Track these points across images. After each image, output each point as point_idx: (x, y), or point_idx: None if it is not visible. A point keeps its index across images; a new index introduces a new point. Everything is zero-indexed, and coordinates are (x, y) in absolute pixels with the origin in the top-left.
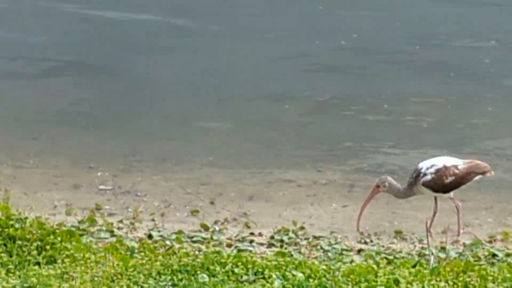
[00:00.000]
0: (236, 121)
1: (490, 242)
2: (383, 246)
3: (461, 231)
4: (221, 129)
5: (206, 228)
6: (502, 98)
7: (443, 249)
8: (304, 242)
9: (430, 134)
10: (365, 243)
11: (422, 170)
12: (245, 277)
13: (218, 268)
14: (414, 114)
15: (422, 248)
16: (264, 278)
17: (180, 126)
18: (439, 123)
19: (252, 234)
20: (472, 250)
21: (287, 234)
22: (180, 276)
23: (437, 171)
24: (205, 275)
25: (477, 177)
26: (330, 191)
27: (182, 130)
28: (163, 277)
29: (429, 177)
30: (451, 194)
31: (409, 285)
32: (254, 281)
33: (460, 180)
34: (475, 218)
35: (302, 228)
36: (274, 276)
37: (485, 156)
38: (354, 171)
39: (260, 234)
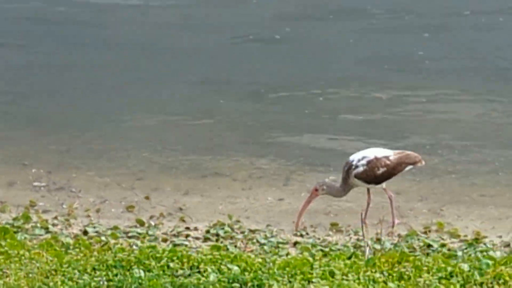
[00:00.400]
0: (170, 116)
1: (425, 232)
2: (319, 239)
3: (396, 222)
4: (155, 124)
5: (141, 223)
6: (435, 89)
7: (378, 240)
8: (240, 236)
9: (366, 126)
10: (301, 236)
11: (354, 163)
12: (180, 272)
13: (153, 263)
14: (350, 106)
15: (358, 239)
16: (199, 272)
17: (114, 122)
18: (374, 115)
19: (187, 228)
20: (407, 241)
21: (223, 228)
22: (115, 272)
23: (369, 162)
24: (140, 270)
25: (408, 168)
26: (266, 185)
27: (116, 126)
28: (98, 272)
29: (361, 169)
30: (383, 185)
31: (344, 277)
32: (189, 275)
33: (391, 171)
34: (410, 209)
35: (237, 221)
36: (209, 270)
37: (420, 148)
38: (290, 164)
39: (195, 229)
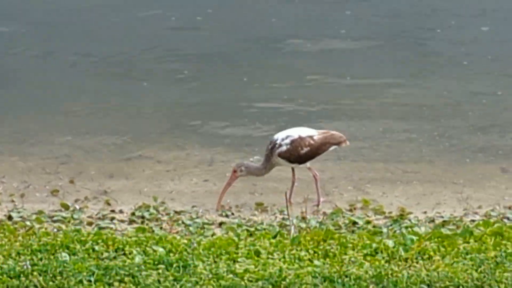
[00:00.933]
0: (93, 99)
1: (350, 210)
2: (244, 219)
3: (321, 200)
4: (79, 108)
5: (66, 207)
6: (361, 71)
7: (303, 219)
8: (165, 218)
9: (290, 107)
10: (227, 216)
11: (278, 141)
12: (105, 254)
13: (78, 247)
14: (274, 88)
15: (283, 219)
16: (125, 254)
17: (37, 105)
18: (299, 96)
19: (113, 211)
20: (332, 219)
21: (148, 210)
22: (40, 256)
23: (292, 142)
24: (65, 254)
25: (333, 148)
26: (190, 166)
27: (39, 110)
28: (22, 257)
29: (284, 148)
30: (308, 164)
31: (270, 256)
32: (114, 257)
33: (315, 151)
34: (335, 187)
35: (163, 203)
36: (134, 252)
37: (344, 125)
38: (214, 145)
39: (121, 211)
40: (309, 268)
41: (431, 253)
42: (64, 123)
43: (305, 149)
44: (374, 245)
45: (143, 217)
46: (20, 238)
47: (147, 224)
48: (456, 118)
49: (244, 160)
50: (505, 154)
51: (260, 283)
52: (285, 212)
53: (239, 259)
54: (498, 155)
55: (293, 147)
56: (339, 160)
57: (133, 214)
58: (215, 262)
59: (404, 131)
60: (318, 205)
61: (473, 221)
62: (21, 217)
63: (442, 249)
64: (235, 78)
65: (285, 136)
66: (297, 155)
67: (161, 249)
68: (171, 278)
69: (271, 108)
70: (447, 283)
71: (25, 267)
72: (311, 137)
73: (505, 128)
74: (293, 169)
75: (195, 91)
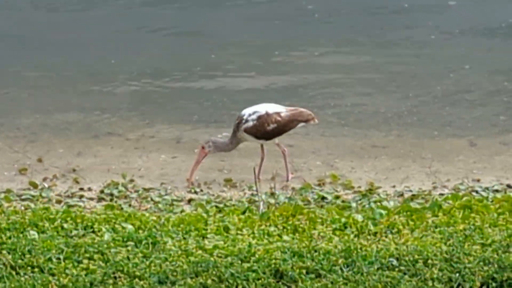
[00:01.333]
0: (61, 77)
1: (319, 185)
2: (213, 195)
3: (290, 176)
4: (47, 86)
5: (35, 185)
6: (328, 47)
7: (272, 194)
8: (134, 195)
9: (256, 82)
10: (195, 192)
11: (245, 117)
12: (74, 232)
13: (47, 224)
14: (239, 62)
15: (252, 195)
16: (94, 231)
17: (3, 84)
18: (266, 71)
19: (81, 189)
20: (301, 194)
21: (117, 188)
22: (8, 234)
23: (259, 118)
24: (34, 232)
25: (301, 125)
26: (159, 143)
27: (6, 89)
28: None
29: (250, 123)
30: (276, 140)
31: (239, 231)
32: (83, 235)
33: (282, 128)
34: (304, 163)
35: (131, 181)
36: (103, 229)
37: (312, 101)
38: (182, 122)
39: (89, 189)
40: (279, 243)
41: (400, 227)
42: (31, 102)
43: (272, 126)
44: (343, 219)
45: (112, 194)
46: None
47: (116, 202)
48: (424, 92)
49: (211, 137)
50: (473, 128)
51: (229, 258)
52: (254, 188)
53: (208, 235)
54: (466, 129)
55: (260, 123)
56: (308, 135)
57: (102, 191)
58: (184, 238)
59: (372, 106)
60: (287, 181)
61: (442, 194)
62: None
63: (411, 223)
64: (204, 54)
65: (252, 112)
66: (264, 131)
67: (130, 226)
68: (140, 255)
69: (239, 84)
70: (416, 256)
71: None
72: (278, 113)
73: (472, 102)
74: (262, 145)
75: (162, 66)
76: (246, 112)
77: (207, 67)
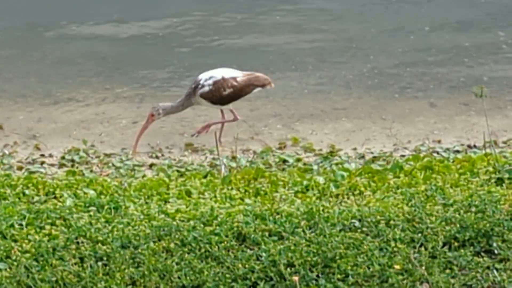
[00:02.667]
0: (19, 43)
1: (280, 148)
2: (174, 160)
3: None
4: (4, 52)
5: None
6: (288, 9)
7: (234, 158)
8: (95, 161)
9: (216, 49)
10: (157, 157)
11: (201, 82)
12: (36, 198)
13: (8, 191)
14: (200, 32)
15: (214, 159)
16: (55, 197)
17: None
18: (225, 38)
19: (42, 156)
20: (262, 158)
21: (78, 154)
22: None
23: (215, 83)
24: None
25: (257, 90)
26: (119, 108)
27: None
28: None
29: (206, 88)
30: (230, 106)
31: (201, 195)
32: (45, 201)
33: (238, 93)
34: (264, 126)
35: (92, 146)
36: (65, 195)
37: (272, 64)
38: (142, 87)
39: (50, 155)
40: (241, 207)
41: (362, 189)
42: None
43: (228, 91)
44: (305, 182)
45: (73, 160)
46: None
47: (77, 168)
48: (385, 54)
49: (159, 103)
50: (433, 89)
51: (192, 222)
52: (215, 152)
53: (170, 200)
54: (427, 90)
55: (216, 88)
56: (267, 98)
57: (63, 157)
58: (146, 203)
59: (332, 68)
60: (197, 135)
61: (403, 156)
62: None
63: (373, 184)
64: (165, 21)
65: (209, 76)
66: (219, 96)
67: (92, 192)
68: (102, 220)
69: (198, 49)
70: (378, 217)
71: None
72: (234, 78)
73: (432, 63)
74: (221, 110)
75: (123, 33)
76: (203, 76)
77: (167, 35)
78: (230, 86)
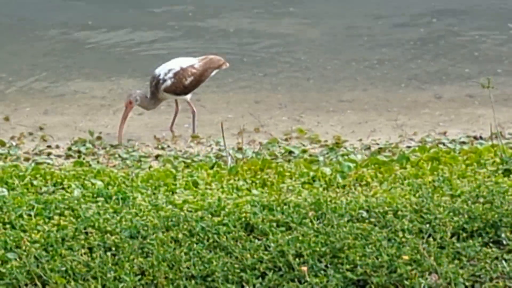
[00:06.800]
0: (28, 35)
1: (286, 140)
2: (180, 151)
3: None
4: (12, 45)
5: (2, 144)
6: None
7: (240, 149)
8: (102, 152)
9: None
10: (163, 149)
11: (161, 77)
12: (44, 189)
13: (16, 182)
14: (198, 17)
15: (219, 150)
16: (63, 188)
17: None
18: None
19: (49, 147)
20: (268, 149)
21: (84, 145)
22: None
23: (176, 74)
24: (4, 189)
25: (215, 72)
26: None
27: None
28: None
29: (169, 82)
30: (188, 98)
31: (208, 186)
32: (53, 192)
33: (199, 79)
34: (270, 117)
35: (99, 138)
36: (73, 185)
37: (275, 55)
38: (148, 78)
39: (57, 147)
40: (248, 197)
41: (369, 180)
42: None
43: (189, 79)
44: (311, 173)
45: (79, 151)
46: None
47: (83, 159)
48: (391, 45)
49: (133, 89)
50: (438, 81)
51: (199, 213)
52: (221, 144)
53: (177, 190)
54: (432, 81)
55: (177, 80)
56: (273, 90)
57: (69, 149)
58: (153, 193)
59: (338, 60)
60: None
61: (409, 147)
62: None
63: (379, 175)
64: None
65: (167, 70)
66: (183, 86)
67: (99, 182)
68: (111, 210)
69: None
70: (386, 208)
71: None
72: (192, 66)
73: (438, 54)
74: (176, 100)
75: (131, 23)
76: (161, 71)
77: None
78: (190, 74)
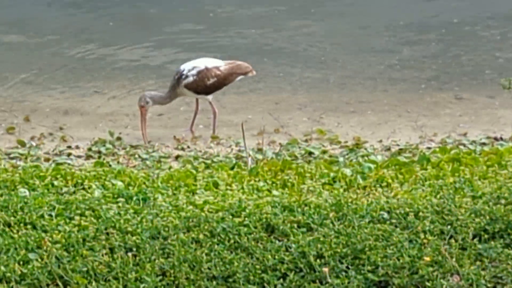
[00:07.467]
0: (45, 37)
1: (306, 141)
2: (200, 151)
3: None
4: (31, 46)
5: (23, 144)
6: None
7: (260, 150)
8: (122, 152)
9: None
10: (182, 149)
11: (184, 72)
12: (65, 189)
13: (37, 182)
14: (217, 28)
15: (239, 151)
16: (84, 188)
17: None
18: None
19: (69, 147)
20: (288, 150)
21: (104, 145)
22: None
23: (199, 73)
24: (24, 189)
25: (239, 78)
26: None
27: None
28: None
29: (191, 79)
30: (210, 98)
31: (228, 187)
32: (74, 192)
33: (222, 81)
34: (290, 118)
35: (118, 138)
36: (94, 186)
37: (299, 58)
38: (167, 79)
39: (77, 147)
40: (268, 198)
41: (389, 181)
42: (15, 61)
43: (212, 80)
44: (332, 174)
45: (99, 152)
46: None
47: (104, 159)
48: (411, 46)
49: (144, 92)
50: (459, 82)
51: (220, 213)
52: (241, 144)
53: (198, 191)
54: (452, 82)
55: (200, 78)
56: (293, 91)
57: (89, 149)
58: (174, 194)
59: (358, 61)
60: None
61: (429, 148)
62: None
63: (400, 176)
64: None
65: (192, 67)
66: (204, 86)
67: (120, 183)
68: (131, 211)
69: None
70: (407, 209)
71: None
72: (217, 68)
73: (459, 55)
74: (196, 100)
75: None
76: (185, 67)
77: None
78: (214, 75)
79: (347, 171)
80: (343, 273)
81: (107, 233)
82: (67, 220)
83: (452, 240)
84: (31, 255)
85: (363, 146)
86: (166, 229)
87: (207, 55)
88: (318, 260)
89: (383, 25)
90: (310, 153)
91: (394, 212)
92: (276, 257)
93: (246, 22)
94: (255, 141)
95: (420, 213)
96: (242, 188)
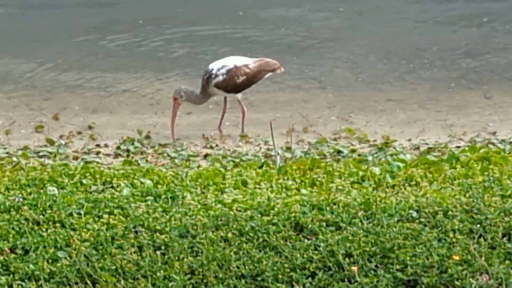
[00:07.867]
0: (75, 35)
1: (334, 139)
2: (229, 150)
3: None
4: (60, 44)
5: (51, 142)
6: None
7: (288, 149)
8: (151, 151)
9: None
10: (211, 148)
11: (213, 72)
12: (94, 187)
13: (66, 180)
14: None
15: (268, 149)
16: (112, 187)
17: (17, 42)
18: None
19: (98, 146)
20: (317, 148)
21: (133, 144)
22: (29, 190)
23: (228, 71)
24: (53, 188)
25: (268, 75)
26: None
27: (20, 46)
28: (11, 191)
29: (220, 78)
30: (239, 97)
31: (257, 185)
32: (103, 190)
33: (251, 79)
34: (319, 117)
35: (147, 137)
36: (122, 184)
37: (327, 57)
38: (197, 78)
39: (106, 146)
40: (297, 197)
41: (418, 180)
42: (44, 58)
43: (242, 78)
44: (360, 173)
45: (128, 150)
46: (7, 173)
47: (132, 158)
48: (440, 45)
49: (181, 86)
50: (488, 81)
51: (249, 212)
52: (270, 143)
53: (226, 190)
54: (481, 81)
55: (230, 77)
56: (322, 90)
57: (118, 148)
58: (203, 193)
59: (387, 59)
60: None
61: (458, 147)
62: (7, 153)
63: (429, 175)
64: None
65: (221, 66)
66: (234, 84)
67: (148, 181)
68: (160, 209)
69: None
70: (436, 208)
71: (16, 199)
72: (246, 65)
73: (488, 54)
74: (225, 99)
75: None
76: (214, 66)
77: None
78: (243, 73)
79: (376, 170)
80: (372, 272)
81: (136, 232)
82: (96, 219)
83: (481, 239)
84: (59, 253)
85: (392, 145)
86: (195, 227)
87: (236, 54)
88: (346, 259)
89: (413, 23)
90: (339, 152)
91: (423, 211)
92: (305, 255)
93: (275, 21)
94: (284, 140)
95: (449, 212)
96: (271, 186)
